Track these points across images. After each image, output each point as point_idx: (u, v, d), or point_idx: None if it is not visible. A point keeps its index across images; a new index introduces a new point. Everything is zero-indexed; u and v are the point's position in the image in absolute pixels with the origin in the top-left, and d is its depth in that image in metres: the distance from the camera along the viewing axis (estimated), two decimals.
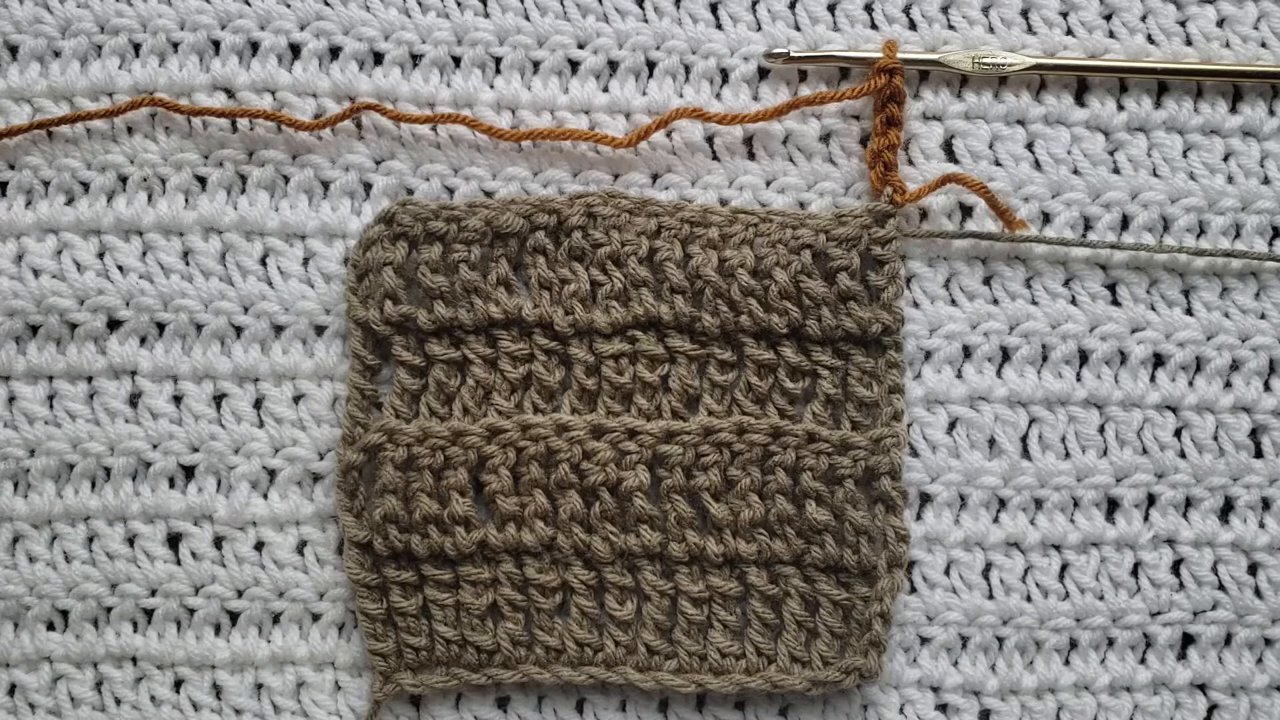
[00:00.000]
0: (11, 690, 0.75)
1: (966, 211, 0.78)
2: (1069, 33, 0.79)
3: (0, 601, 0.75)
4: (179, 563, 0.75)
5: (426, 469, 0.73)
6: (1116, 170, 0.78)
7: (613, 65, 0.78)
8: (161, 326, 0.76)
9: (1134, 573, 0.77)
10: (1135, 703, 0.76)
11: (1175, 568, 0.77)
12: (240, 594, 0.75)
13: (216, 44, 0.77)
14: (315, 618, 0.76)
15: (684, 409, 0.75)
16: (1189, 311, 0.78)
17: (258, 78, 0.77)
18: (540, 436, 0.73)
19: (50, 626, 0.76)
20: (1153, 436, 0.77)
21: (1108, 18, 0.79)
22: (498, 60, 0.78)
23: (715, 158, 0.78)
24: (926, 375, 0.77)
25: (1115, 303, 0.78)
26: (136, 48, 0.77)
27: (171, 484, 0.76)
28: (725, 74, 0.78)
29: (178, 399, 0.76)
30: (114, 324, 0.76)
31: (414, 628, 0.74)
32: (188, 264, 0.76)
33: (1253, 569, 0.77)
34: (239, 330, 0.76)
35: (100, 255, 0.76)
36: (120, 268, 0.76)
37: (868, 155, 0.76)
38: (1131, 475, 0.77)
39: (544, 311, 0.74)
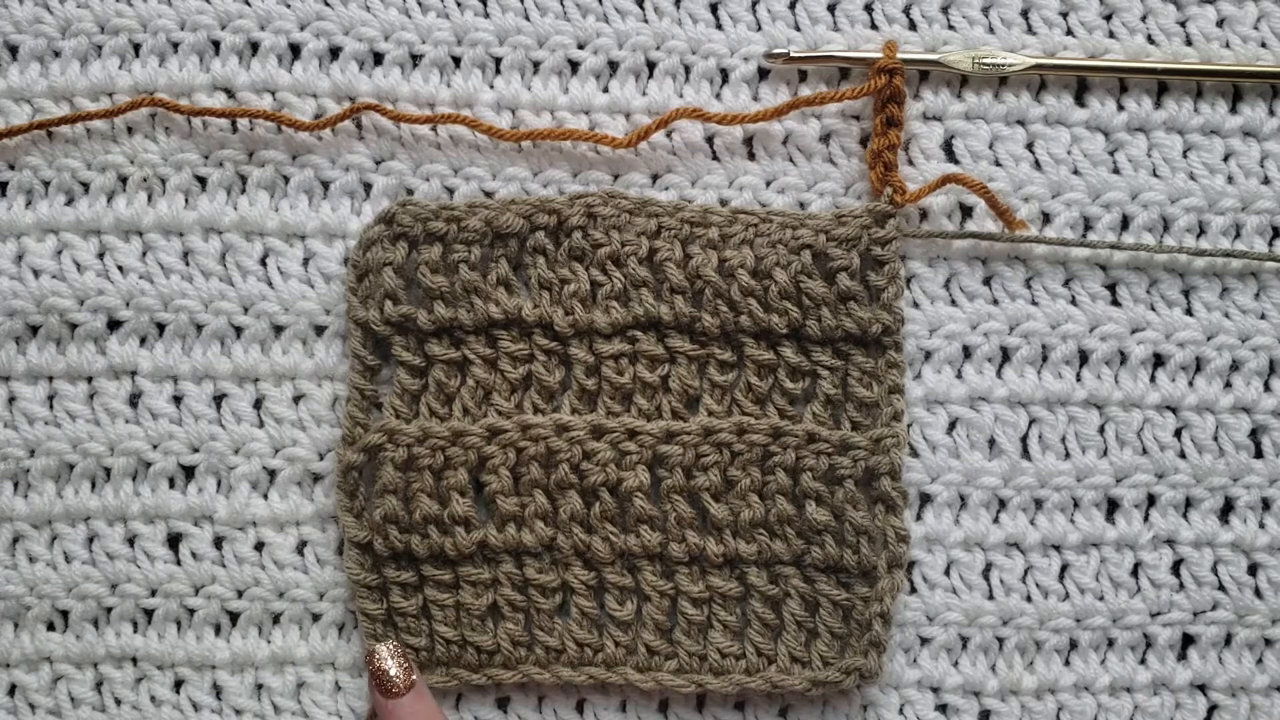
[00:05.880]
0: (11, 690, 0.75)
1: (966, 211, 0.78)
2: (1069, 33, 0.79)
3: (0, 601, 0.75)
4: (179, 563, 0.75)
5: (426, 469, 0.73)
6: (1116, 170, 0.78)
7: (613, 65, 0.78)
8: (161, 326, 0.76)
9: (1134, 573, 0.77)
10: (1135, 703, 0.76)
11: (1175, 568, 0.77)
12: (240, 594, 0.75)
13: (216, 44, 0.77)
14: (315, 618, 0.76)
15: (684, 409, 0.75)
16: (1189, 311, 0.78)
17: (258, 78, 0.77)
18: (540, 437, 0.73)
19: (50, 626, 0.76)
20: (1153, 436, 0.77)
21: (1108, 18, 0.79)
22: (498, 60, 0.78)
23: (715, 158, 0.78)
24: (926, 375, 0.77)
25: (1115, 303, 0.78)
26: (136, 48, 0.77)
27: (171, 484, 0.76)
28: (725, 74, 0.78)
29: (178, 399, 0.76)
30: (114, 324, 0.76)
31: (414, 628, 0.74)
32: (188, 264, 0.76)
33: (1253, 569, 0.77)
34: (239, 330, 0.76)
35: (100, 255, 0.76)
36: (120, 268, 0.76)
37: (868, 155, 0.76)
38: (1131, 475, 0.77)
39: (544, 312, 0.74)
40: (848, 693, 0.75)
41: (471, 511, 0.73)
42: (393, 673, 0.70)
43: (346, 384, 0.75)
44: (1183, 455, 0.77)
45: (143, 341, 0.76)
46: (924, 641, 0.76)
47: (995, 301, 0.77)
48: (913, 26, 0.79)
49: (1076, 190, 0.78)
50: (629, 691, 0.75)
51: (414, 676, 0.70)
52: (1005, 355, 0.77)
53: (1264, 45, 0.79)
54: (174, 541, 0.76)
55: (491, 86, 0.77)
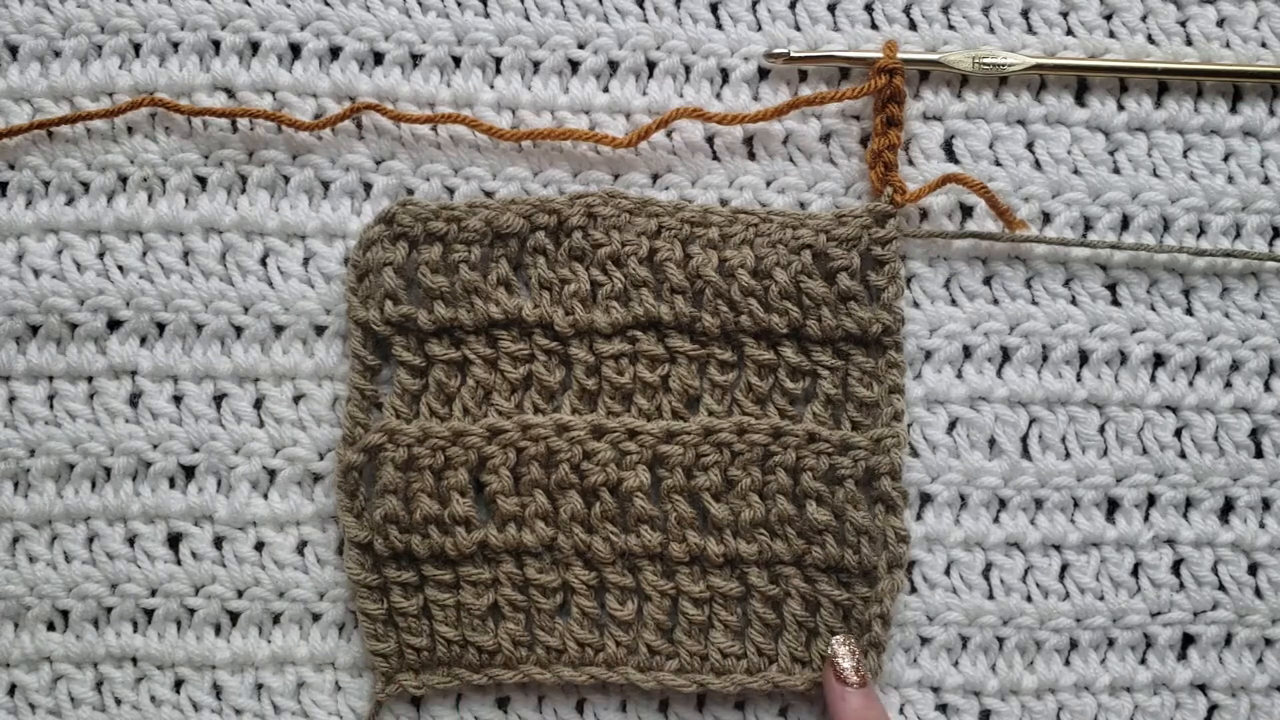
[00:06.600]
0: (11, 690, 0.75)
1: (966, 211, 0.78)
2: (1069, 33, 0.79)
3: (0, 601, 0.75)
4: (179, 563, 0.75)
5: (427, 469, 0.73)
6: (1116, 170, 0.78)
7: (613, 65, 0.78)
8: (161, 326, 0.76)
9: (1134, 573, 0.77)
10: (1135, 703, 0.76)
11: (1175, 568, 0.77)
12: (240, 594, 0.75)
13: (216, 44, 0.77)
14: (315, 618, 0.76)
15: (684, 409, 0.75)
16: (1189, 311, 0.78)
17: (258, 78, 0.77)
18: (540, 437, 0.73)
19: (50, 626, 0.76)
20: (1153, 436, 0.77)
21: (1108, 18, 0.79)
22: (498, 60, 0.78)
23: (715, 158, 0.78)
24: (926, 375, 0.77)
25: (1115, 303, 0.78)
26: (136, 48, 0.77)
27: (171, 484, 0.76)
28: (725, 74, 0.78)
29: (178, 399, 0.76)
30: (114, 324, 0.76)
31: (415, 628, 0.74)
32: (188, 264, 0.76)
33: (1253, 569, 0.77)
34: (239, 330, 0.76)
35: (100, 255, 0.76)
36: (120, 268, 0.76)
37: (868, 155, 0.76)
38: (1131, 475, 0.77)
39: (544, 312, 0.74)
40: None
41: (472, 511, 0.73)
42: (845, 664, 0.71)
43: (346, 384, 0.75)
44: (1183, 455, 0.77)
45: (143, 341, 0.76)
46: (924, 641, 0.76)
47: (995, 301, 0.77)
48: (913, 26, 0.79)
49: (1076, 190, 0.78)
50: (630, 691, 0.75)
51: (866, 674, 0.71)
52: (1005, 355, 0.77)
53: (1264, 45, 0.79)
54: (174, 541, 0.76)
55: (491, 86, 0.77)
